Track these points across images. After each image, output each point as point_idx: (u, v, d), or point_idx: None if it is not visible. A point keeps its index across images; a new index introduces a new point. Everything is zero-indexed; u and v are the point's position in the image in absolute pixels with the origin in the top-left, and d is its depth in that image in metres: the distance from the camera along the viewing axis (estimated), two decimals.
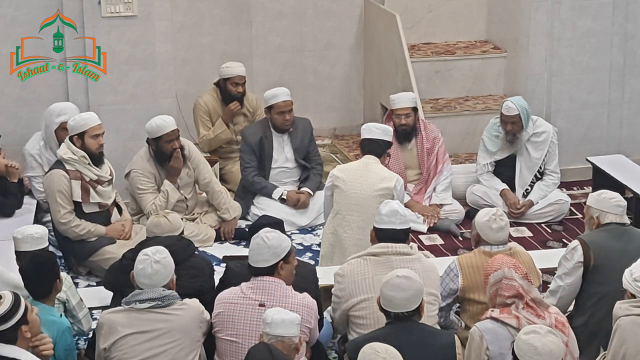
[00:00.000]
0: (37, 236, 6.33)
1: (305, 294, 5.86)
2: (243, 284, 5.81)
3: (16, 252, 6.36)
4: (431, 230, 8.58)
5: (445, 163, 8.82)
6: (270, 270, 5.78)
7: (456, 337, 5.58)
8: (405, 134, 8.77)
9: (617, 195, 6.46)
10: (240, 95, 9.18)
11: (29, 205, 8.16)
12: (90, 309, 6.55)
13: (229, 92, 9.18)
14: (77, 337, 6.64)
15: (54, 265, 5.90)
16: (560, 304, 6.27)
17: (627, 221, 6.48)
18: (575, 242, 6.35)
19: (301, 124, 8.87)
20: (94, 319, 6.58)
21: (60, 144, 8.16)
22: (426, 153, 8.80)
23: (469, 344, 5.55)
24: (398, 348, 5.09)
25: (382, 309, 5.52)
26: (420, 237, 8.49)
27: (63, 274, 6.36)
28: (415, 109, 8.82)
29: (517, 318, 5.49)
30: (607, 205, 6.38)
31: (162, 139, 8.12)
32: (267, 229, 5.96)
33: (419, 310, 5.50)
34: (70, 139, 7.71)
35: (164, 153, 8.16)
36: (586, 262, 6.28)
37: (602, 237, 6.32)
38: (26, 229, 6.40)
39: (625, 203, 6.47)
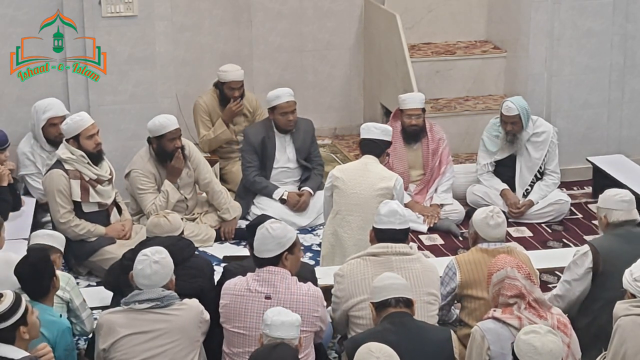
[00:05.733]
0: (54, 235, 6.68)
1: (310, 283, 5.90)
2: (249, 275, 5.83)
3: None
4: (431, 230, 8.59)
5: (448, 165, 8.82)
6: (275, 261, 5.81)
7: (452, 332, 5.61)
8: (414, 134, 8.78)
9: (621, 191, 6.42)
10: (237, 98, 9.17)
11: (28, 204, 8.16)
12: (90, 309, 6.54)
13: (226, 95, 9.18)
14: (78, 337, 6.64)
15: (47, 263, 5.89)
16: (567, 308, 6.25)
17: (637, 217, 6.41)
18: (585, 247, 6.30)
19: (303, 125, 8.88)
20: (95, 319, 6.58)
21: (48, 141, 8.19)
22: (431, 154, 8.81)
23: (470, 343, 5.56)
24: (395, 343, 5.14)
25: (377, 307, 5.53)
26: (421, 237, 8.49)
27: (67, 275, 6.41)
28: (424, 110, 8.84)
29: (519, 319, 5.49)
30: (611, 202, 6.36)
31: (165, 137, 8.12)
32: (272, 219, 6.00)
33: (412, 306, 5.53)
34: (67, 141, 7.72)
35: (166, 152, 8.16)
36: (595, 268, 6.23)
37: (612, 241, 6.27)
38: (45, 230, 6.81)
39: (631, 197, 6.41)
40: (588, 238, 8.44)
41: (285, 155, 8.83)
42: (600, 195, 6.50)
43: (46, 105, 8.26)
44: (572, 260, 6.36)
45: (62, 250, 6.78)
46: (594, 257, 6.23)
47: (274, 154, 8.78)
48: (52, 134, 8.21)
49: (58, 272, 6.17)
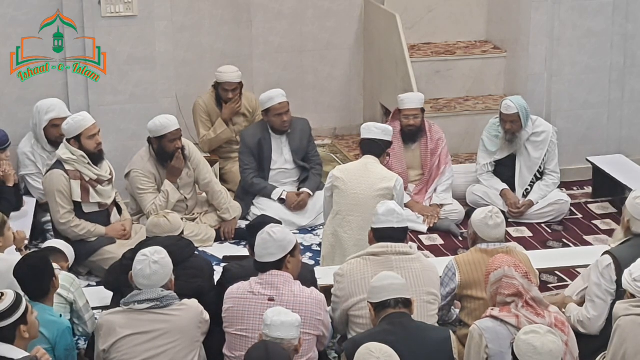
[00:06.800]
0: (67, 245, 6.88)
1: (313, 288, 5.92)
2: (252, 279, 5.84)
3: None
4: (431, 230, 8.59)
5: (447, 165, 8.82)
6: (278, 265, 5.82)
7: (451, 332, 5.64)
8: (412, 134, 8.78)
9: None
10: (230, 100, 9.14)
11: (28, 204, 8.16)
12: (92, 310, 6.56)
13: (221, 96, 9.18)
14: (78, 337, 6.64)
15: (46, 264, 5.89)
16: (601, 327, 6.15)
17: None
18: (607, 259, 6.16)
19: (299, 125, 8.87)
20: (96, 320, 6.58)
21: (49, 142, 8.18)
22: (430, 154, 8.81)
23: (469, 341, 5.58)
24: (394, 343, 5.15)
25: (376, 307, 5.54)
26: (420, 237, 8.49)
27: (71, 275, 6.41)
28: (423, 110, 8.83)
29: (517, 317, 5.50)
30: (637, 211, 6.24)
31: (166, 138, 8.12)
32: (272, 224, 6.00)
33: (410, 305, 5.54)
34: (68, 141, 7.71)
35: (166, 152, 8.16)
36: (617, 279, 6.12)
37: (630, 252, 6.12)
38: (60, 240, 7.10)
39: None
40: (588, 238, 8.46)
41: (282, 156, 8.83)
42: (630, 195, 6.32)
43: (49, 106, 8.25)
44: (596, 275, 6.18)
45: (69, 262, 6.81)
46: (616, 268, 6.11)
47: (271, 156, 8.78)
48: (53, 134, 8.20)
49: (62, 273, 6.19)
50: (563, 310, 6.33)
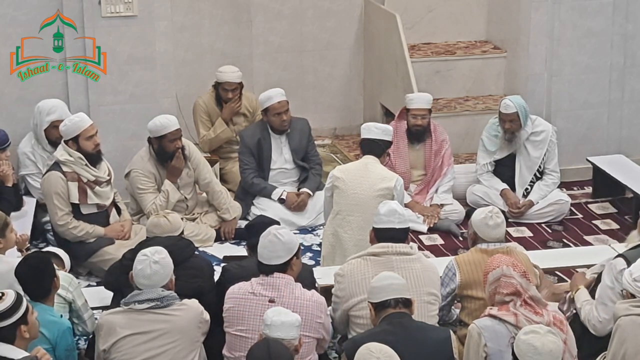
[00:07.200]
0: (64, 254, 6.83)
1: (314, 290, 5.92)
2: (253, 279, 5.83)
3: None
4: (431, 230, 8.59)
5: (450, 166, 8.82)
6: (283, 267, 5.81)
7: (451, 331, 5.64)
8: (418, 134, 8.79)
9: None
10: (230, 100, 9.13)
11: (28, 204, 8.16)
12: (91, 309, 6.55)
13: (220, 95, 9.18)
14: (78, 337, 6.64)
15: (47, 265, 5.90)
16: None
17: None
18: (622, 263, 6.05)
19: (299, 125, 8.87)
20: (95, 319, 6.58)
21: (50, 142, 8.18)
22: (433, 155, 8.81)
23: (468, 340, 5.59)
24: (394, 343, 5.15)
25: (376, 307, 5.54)
26: (421, 237, 8.49)
27: (69, 275, 6.42)
28: (430, 111, 8.84)
29: (515, 315, 5.51)
30: None
31: (166, 138, 8.12)
32: (276, 226, 6.00)
33: (410, 305, 5.54)
34: (65, 142, 7.70)
35: (167, 152, 8.16)
36: None
37: None
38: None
39: None
40: (588, 238, 8.46)
41: (281, 156, 8.82)
42: None
43: (50, 107, 8.23)
44: (610, 278, 6.07)
45: (66, 270, 6.82)
46: None
47: (270, 155, 8.78)
48: (54, 135, 8.18)
49: (61, 273, 6.19)
50: (572, 295, 6.33)
